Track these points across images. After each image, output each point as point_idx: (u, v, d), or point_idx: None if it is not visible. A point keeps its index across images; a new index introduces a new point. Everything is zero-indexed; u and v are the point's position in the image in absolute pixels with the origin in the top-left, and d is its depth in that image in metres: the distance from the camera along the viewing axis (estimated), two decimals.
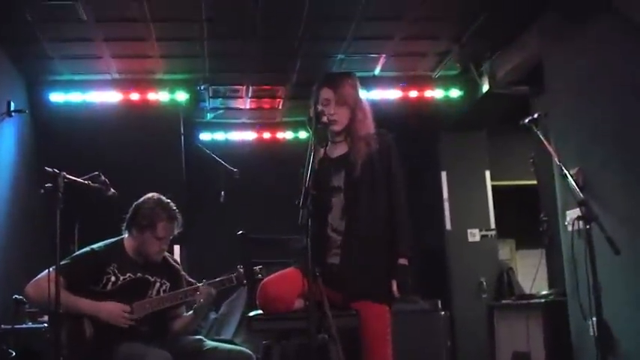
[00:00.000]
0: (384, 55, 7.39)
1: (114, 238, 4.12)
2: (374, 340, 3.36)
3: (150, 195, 4.11)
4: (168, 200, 4.08)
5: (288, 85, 8.10)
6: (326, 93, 3.52)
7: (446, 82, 7.99)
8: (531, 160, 6.71)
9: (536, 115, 4.19)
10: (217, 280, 3.94)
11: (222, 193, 6.86)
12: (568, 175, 3.83)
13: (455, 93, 8.00)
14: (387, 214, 3.44)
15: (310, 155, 3.09)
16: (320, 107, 3.47)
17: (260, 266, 3.81)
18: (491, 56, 7.31)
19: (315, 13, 6.28)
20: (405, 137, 8.27)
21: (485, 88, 7.45)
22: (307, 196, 2.92)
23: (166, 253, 4.15)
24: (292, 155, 3.59)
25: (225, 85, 8.15)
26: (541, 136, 4.09)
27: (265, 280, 3.43)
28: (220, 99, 8.52)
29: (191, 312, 4.05)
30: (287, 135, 9.15)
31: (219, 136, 9.00)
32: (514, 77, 7.19)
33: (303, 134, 8.97)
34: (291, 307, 3.33)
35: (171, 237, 4.05)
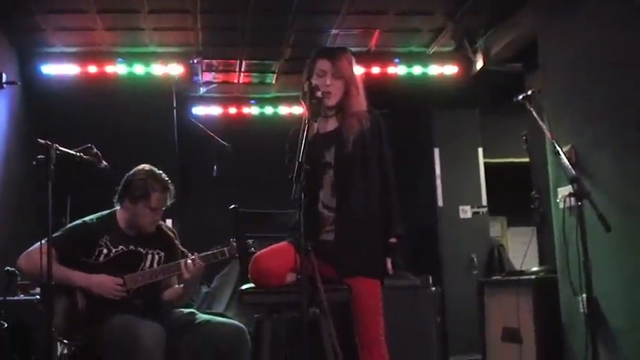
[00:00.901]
0: (378, 31, 7.36)
1: (106, 211, 4.11)
2: (366, 315, 3.37)
3: (141, 166, 4.09)
4: (160, 171, 4.07)
5: (282, 60, 8.05)
6: (323, 64, 3.50)
7: (440, 59, 7.96)
8: (524, 138, 6.70)
9: (529, 92, 4.18)
10: (209, 252, 3.94)
11: (215, 167, 6.85)
12: (560, 152, 3.82)
13: (449, 70, 7.97)
14: (378, 192, 3.43)
15: (304, 129, 3.07)
16: (314, 81, 3.44)
17: (252, 240, 3.80)
18: (485, 33, 7.28)
19: None
20: (398, 114, 8.31)
21: (480, 65, 7.43)
22: (301, 171, 2.91)
23: (161, 222, 4.14)
24: (285, 130, 3.56)
25: (218, 59, 8.11)
26: (534, 114, 4.08)
27: (258, 253, 3.43)
28: (213, 73, 8.49)
29: (181, 285, 4.05)
30: (280, 110, 9.13)
31: (213, 110, 8.97)
32: (508, 54, 7.16)
33: (296, 109, 8.96)
34: (283, 281, 3.34)
35: (164, 208, 4.04)
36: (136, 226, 4.02)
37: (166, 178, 4.05)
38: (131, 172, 4.08)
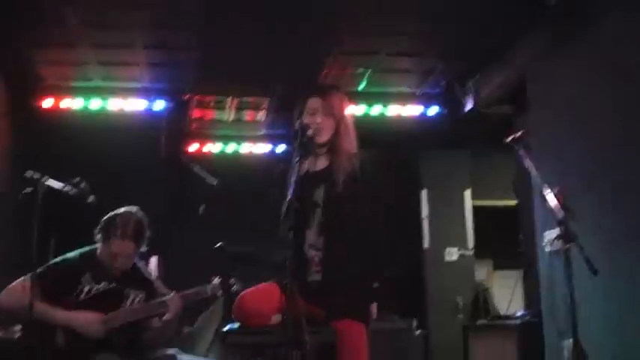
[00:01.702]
0: (370, 70, 7.40)
1: (88, 247, 4.05)
2: (351, 357, 3.32)
3: (124, 209, 4.05)
4: (139, 216, 4.01)
5: (273, 98, 8.06)
6: (314, 102, 3.51)
7: (430, 100, 7.99)
8: (513, 180, 6.71)
9: (518, 134, 4.18)
10: (190, 291, 3.89)
11: (202, 205, 6.81)
12: (547, 194, 3.81)
13: (438, 111, 8.01)
14: (366, 233, 3.41)
15: (295, 167, 3.06)
16: (306, 120, 3.44)
17: (236, 278, 3.76)
18: (475, 74, 7.33)
19: (302, 26, 6.27)
20: (387, 154, 8.30)
21: (469, 106, 7.47)
22: (290, 209, 2.89)
23: (140, 264, 4.10)
24: (271, 169, 3.55)
25: (210, 95, 8.09)
26: (522, 155, 4.08)
27: (242, 293, 3.38)
28: (204, 109, 8.45)
29: (161, 324, 3.98)
30: (268, 148, 9.07)
31: (202, 147, 8.88)
32: (498, 95, 7.20)
33: (286, 147, 8.89)
34: (267, 321, 3.28)
35: (130, 254, 3.97)
36: (113, 263, 3.97)
37: (138, 226, 3.97)
38: (113, 212, 4.06)
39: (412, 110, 8.00)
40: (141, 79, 7.49)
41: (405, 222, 8.19)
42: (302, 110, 3.51)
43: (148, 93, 7.66)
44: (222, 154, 8.93)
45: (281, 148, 8.99)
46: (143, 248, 4.06)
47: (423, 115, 8.02)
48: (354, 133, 3.58)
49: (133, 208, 4.07)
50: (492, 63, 7.00)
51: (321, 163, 3.53)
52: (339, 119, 3.51)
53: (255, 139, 9.13)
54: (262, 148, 9.06)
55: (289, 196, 2.95)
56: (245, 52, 6.91)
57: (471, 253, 8.13)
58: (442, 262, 8.03)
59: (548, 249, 5.25)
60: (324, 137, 3.49)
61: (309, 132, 3.37)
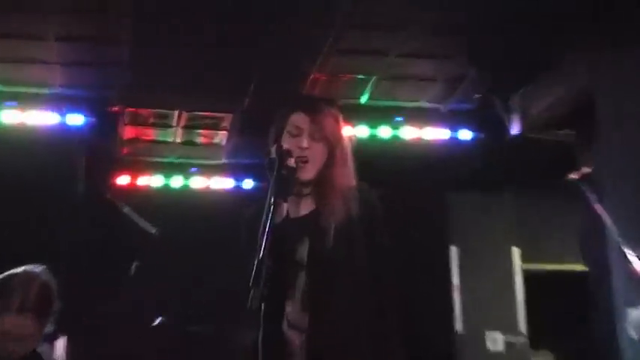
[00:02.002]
0: (375, 77, 7.43)
1: None
2: None
3: (22, 269, 4.01)
4: (44, 280, 3.97)
5: (238, 113, 8.09)
6: (299, 119, 3.47)
7: (459, 120, 8.06)
8: (579, 234, 6.72)
9: (586, 171, 4.20)
10: None
11: (135, 262, 6.76)
12: (631, 256, 3.81)
13: (471, 135, 8.06)
14: (369, 307, 3.37)
15: (269, 212, 3.03)
16: (286, 144, 3.41)
17: None
18: (523, 86, 7.37)
19: (283, 12, 6.31)
20: (401, 196, 8.25)
21: (515, 130, 7.49)
22: (261, 271, 2.85)
23: (43, 348, 4.04)
24: (236, 211, 3.52)
25: (149, 108, 8.12)
26: (592, 199, 4.09)
27: None
28: (141, 127, 8.47)
29: None
30: (231, 183, 9.09)
31: (137, 179, 8.88)
32: (555, 117, 7.24)
33: (256, 183, 8.95)
34: None
35: (30, 334, 3.92)
36: None
37: (43, 294, 3.92)
38: (8, 272, 4.01)
39: (435, 134, 8.04)
40: (52, 83, 7.51)
41: (429, 293, 8.15)
42: (281, 130, 3.49)
43: (61, 102, 7.67)
44: (164, 191, 8.93)
45: (248, 183, 8.99)
46: (49, 327, 4.00)
47: (451, 140, 8.08)
48: (352, 165, 3.57)
49: (36, 268, 4.01)
50: (546, 71, 7.06)
51: (306, 207, 3.49)
52: (332, 144, 3.48)
53: (212, 170, 9.14)
54: (222, 183, 9.06)
55: (260, 253, 2.92)
56: (199, 50, 6.93)
57: (523, 340, 8.14)
58: (483, 352, 8.07)
59: (634, 334, 5.23)
60: (310, 170, 3.45)
61: (291, 162, 3.33)
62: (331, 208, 3.45)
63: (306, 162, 3.44)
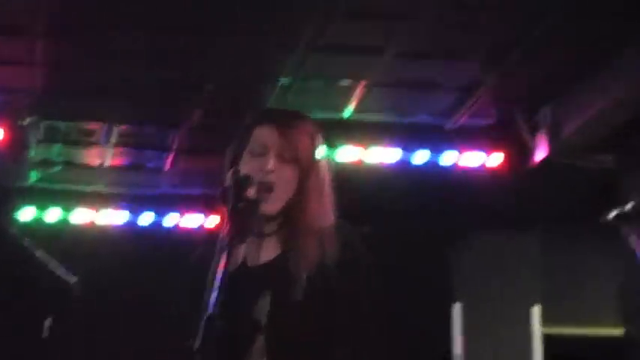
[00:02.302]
0: (363, 83, 7.48)
1: None
2: None
3: None
4: None
5: (185, 129, 8.11)
6: (265, 134, 3.43)
7: (470, 140, 8.09)
8: (619, 290, 6.74)
9: (629, 207, 4.22)
10: None
11: (49, 320, 6.72)
12: None
13: (485, 160, 8.08)
14: None
15: (221, 258, 3.01)
16: (245, 168, 3.39)
17: None
18: (553, 98, 7.40)
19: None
20: (393, 235, 8.26)
21: (541, 154, 7.54)
22: (210, 333, 2.83)
23: None
24: (184, 254, 3.50)
25: (69, 121, 8.14)
26: (636, 243, 4.11)
27: None
28: (59, 145, 8.50)
29: None
30: (175, 219, 9.16)
31: (52, 213, 8.92)
32: (592, 139, 7.30)
33: (201, 219, 8.98)
34: None
35: None
36: None
37: None
38: None
39: (439, 157, 8.05)
40: None
41: (427, 358, 8.28)
42: (241, 150, 3.47)
43: None
44: (89, 228, 8.98)
45: (198, 219, 9.03)
46: None
47: (458, 167, 8.10)
48: (330, 196, 3.55)
49: None
50: (581, 82, 7.13)
51: (269, 251, 3.46)
52: (306, 169, 3.45)
53: (151, 201, 9.20)
54: (165, 220, 9.17)
55: (209, 310, 2.89)
56: (135, 43, 6.97)
57: None
58: None
59: None
60: (276, 201, 3.41)
61: (251, 192, 3.31)
62: (301, 253, 3.42)
63: (270, 190, 3.42)
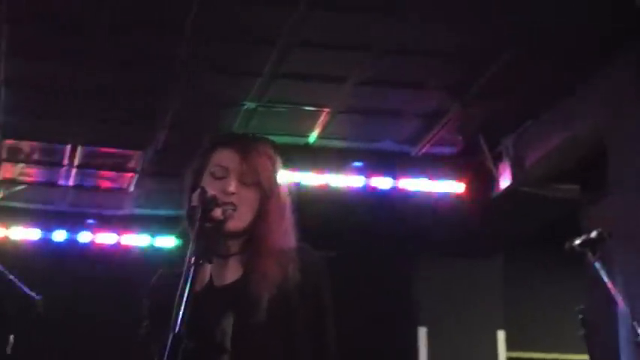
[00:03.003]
0: (327, 110, 7.51)
1: None
2: None
3: None
4: None
5: (149, 150, 8.13)
6: (225, 157, 3.42)
7: (436, 168, 8.12)
8: (580, 317, 6.75)
9: (594, 235, 4.22)
10: None
11: (11, 337, 6.66)
12: None
13: (450, 187, 8.11)
14: None
15: (188, 276, 2.99)
16: (210, 188, 3.39)
17: None
18: (517, 127, 7.44)
19: (210, 18, 6.32)
20: (358, 260, 8.25)
21: (505, 182, 7.59)
22: (176, 351, 2.81)
23: None
24: (145, 274, 3.48)
25: (33, 141, 8.13)
26: (601, 272, 4.12)
27: None
28: (21, 165, 8.49)
29: None
30: (140, 240, 9.15)
31: (15, 232, 8.96)
32: (555, 168, 7.34)
33: (165, 241, 9.00)
34: None
35: None
36: None
37: None
38: None
39: (404, 184, 8.09)
40: None
41: None
42: (200, 173, 3.45)
43: None
44: (51, 247, 9.00)
45: (164, 241, 9.06)
46: None
47: (423, 193, 8.12)
48: (291, 219, 3.53)
49: None
50: (547, 107, 7.16)
51: (233, 272, 3.44)
52: (266, 192, 3.44)
53: (116, 222, 9.19)
54: (130, 240, 9.16)
55: (175, 329, 2.87)
56: (100, 67, 6.96)
57: None
58: None
59: None
60: (240, 221, 3.41)
61: (217, 212, 3.30)
62: (262, 274, 3.41)
63: (234, 208, 3.42)
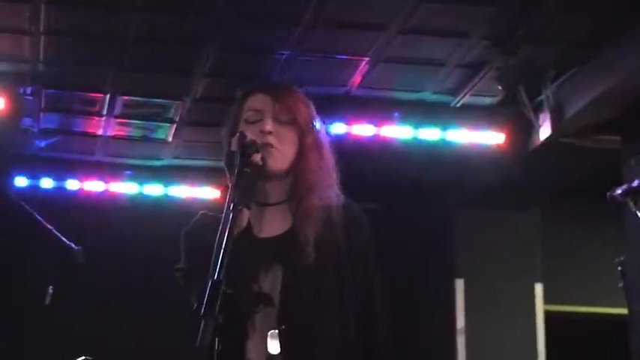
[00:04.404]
0: (366, 59, 7.44)
1: None
2: None
3: None
4: None
5: (188, 100, 8.11)
6: (258, 101, 3.40)
7: (474, 118, 8.07)
8: (620, 269, 6.70)
9: (635, 184, 4.19)
10: None
11: (50, 288, 6.68)
12: None
13: (489, 138, 8.06)
14: (359, 351, 3.32)
15: (227, 222, 2.95)
16: (248, 131, 3.35)
17: None
18: (557, 77, 7.38)
19: None
20: (395, 211, 8.23)
21: (545, 133, 7.53)
22: (216, 297, 2.77)
23: None
24: (184, 226, 3.45)
25: (70, 91, 8.12)
26: None
27: None
28: (61, 115, 8.51)
29: None
30: (180, 190, 9.17)
31: (53, 182, 8.98)
32: (596, 118, 7.27)
33: (207, 191, 8.99)
34: None
35: None
36: None
37: None
38: None
39: (441, 134, 8.02)
40: None
41: (429, 335, 8.30)
42: (237, 119, 3.41)
43: None
44: (91, 197, 9.05)
45: (203, 191, 9.09)
46: None
47: (462, 144, 8.08)
48: (332, 160, 3.50)
49: None
50: (589, 57, 7.08)
51: (277, 223, 3.39)
52: (304, 131, 3.42)
53: (155, 172, 9.26)
54: (169, 190, 9.21)
55: (215, 275, 2.84)
56: (137, 15, 6.92)
57: None
58: None
59: None
60: (280, 160, 3.38)
61: (257, 157, 3.25)
62: (311, 228, 3.37)
63: (272, 147, 3.38)
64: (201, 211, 3.41)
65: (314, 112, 3.54)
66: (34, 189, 8.92)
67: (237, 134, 3.28)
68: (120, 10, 6.90)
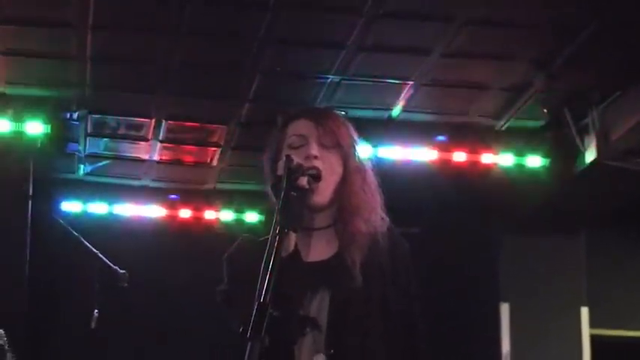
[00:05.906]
0: (410, 84, 7.43)
1: None
2: None
3: None
4: None
5: (233, 124, 8.12)
6: (301, 126, 3.40)
7: (518, 142, 8.04)
8: None
9: None
10: None
11: (96, 312, 6.70)
12: None
13: (534, 162, 8.01)
14: None
15: (274, 245, 2.94)
16: (294, 158, 3.34)
17: None
18: (603, 100, 7.33)
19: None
20: (438, 236, 8.20)
21: (590, 156, 7.48)
22: (262, 320, 2.77)
23: None
24: (224, 247, 3.45)
25: (116, 116, 8.15)
26: None
27: None
28: (106, 140, 8.55)
29: None
30: (223, 215, 9.18)
31: (99, 207, 9.01)
32: None
33: (252, 216, 9.01)
34: None
35: None
36: None
37: None
38: None
39: (487, 158, 8.02)
40: None
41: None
42: (280, 144, 3.41)
43: (12, 103, 7.69)
44: (136, 222, 9.09)
45: (247, 216, 9.11)
46: None
47: (507, 167, 8.04)
48: (376, 184, 3.49)
49: None
50: (634, 79, 7.05)
51: (323, 248, 3.38)
52: (347, 155, 3.42)
53: (199, 197, 9.25)
54: (213, 215, 9.22)
55: (262, 298, 2.83)
56: (183, 39, 6.98)
57: None
58: None
59: None
60: (325, 192, 3.36)
61: (303, 181, 3.25)
62: (357, 252, 3.36)
63: (318, 179, 3.36)
64: (243, 235, 3.41)
65: (356, 136, 3.53)
66: (81, 213, 8.94)
67: (284, 158, 3.28)
68: (165, 36, 6.94)
